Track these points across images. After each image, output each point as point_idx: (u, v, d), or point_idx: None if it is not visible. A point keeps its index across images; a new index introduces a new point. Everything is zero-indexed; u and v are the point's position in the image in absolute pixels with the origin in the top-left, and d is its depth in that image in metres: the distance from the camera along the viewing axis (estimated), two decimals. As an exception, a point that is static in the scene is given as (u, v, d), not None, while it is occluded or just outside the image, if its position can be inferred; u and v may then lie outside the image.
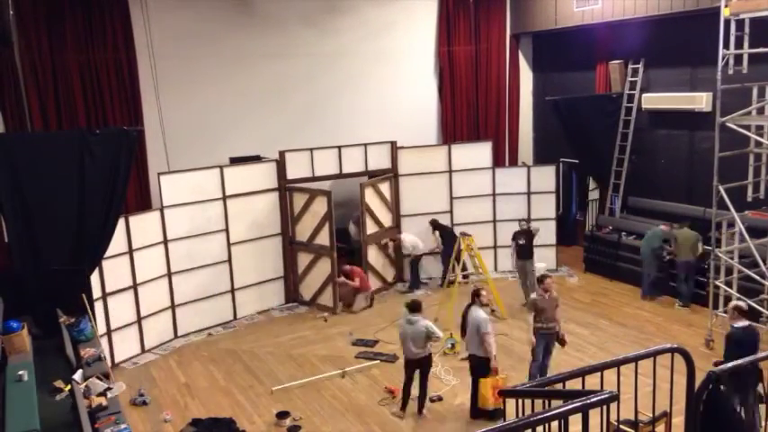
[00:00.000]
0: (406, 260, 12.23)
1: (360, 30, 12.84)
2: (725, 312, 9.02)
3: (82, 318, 8.61)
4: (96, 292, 9.03)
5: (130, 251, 9.54)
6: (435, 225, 12.10)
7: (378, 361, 9.12)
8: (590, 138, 12.50)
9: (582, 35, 12.79)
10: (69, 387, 6.93)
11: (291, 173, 11.37)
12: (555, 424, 3.31)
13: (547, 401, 3.94)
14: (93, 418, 6.63)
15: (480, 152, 12.62)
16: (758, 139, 8.78)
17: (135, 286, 9.66)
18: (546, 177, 12.50)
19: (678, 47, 11.32)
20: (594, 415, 3.36)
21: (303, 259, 11.46)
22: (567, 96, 12.55)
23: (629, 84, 12.17)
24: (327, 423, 7.61)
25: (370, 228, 11.63)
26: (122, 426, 6.50)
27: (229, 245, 10.82)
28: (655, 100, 11.62)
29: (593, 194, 13.69)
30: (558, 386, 4.15)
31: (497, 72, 14.10)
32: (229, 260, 10.84)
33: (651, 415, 4.97)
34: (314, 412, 7.84)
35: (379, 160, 12.04)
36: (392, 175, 12.12)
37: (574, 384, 4.13)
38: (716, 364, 4.48)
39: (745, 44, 8.44)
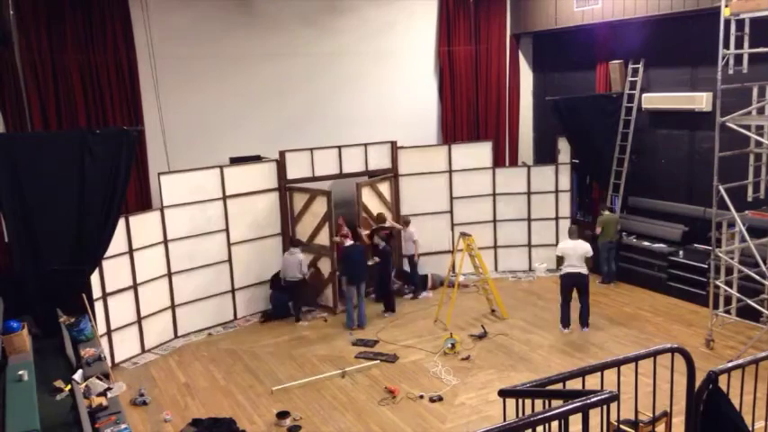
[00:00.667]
0: (405, 259, 12.07)
1: (360, 30, 12.84)
2: (725, 312, 9.05)
3: (82, 318, 8.62)
4: (96, 292, 9.04)
5: (130, 251, 9.54)
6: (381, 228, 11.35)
7: (378, 361, 9.12)
8: (590, 138, 12.50)
9: (582, 35, 12.78)
10: (69, 387, 6.94)
11: (291, 173, 11.37)
12: (555, 424, 3.31)
13: (547, 401, 3.94)
14: (94, 418, 6.65)
15: (480, 152, 12.63)
16: (758, 138, 8.78)
17: (135, 286, 9.66)
18: (551, 177, 12.59)
19: (678, 47, 11.32)
20: (594, 415, 3.36)
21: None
22: (567, 96, 12.55)
23: (630, 84, 12.17)
24: (327, 423, 7.61)
25: (368, 228, 11.61)
26: (122, 426, 6.51)
27: (229, 245, 10.82)
28: (655, 100, 11.62)
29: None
30: (558, 386, 4.15)
31: (497, 72, 14.10)
32: (229, 260, 10.84)
33: (651, 415, 4.98)
34: (314, 412, 7.85)
35: (380, 160, 12.04)
36: (392, 175, 12.13)
37: (574, 384, 4.13)
38: None
39: (746, 44, 8.44)
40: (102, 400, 6.98)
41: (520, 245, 12.80)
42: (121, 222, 9.22)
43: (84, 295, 8.67)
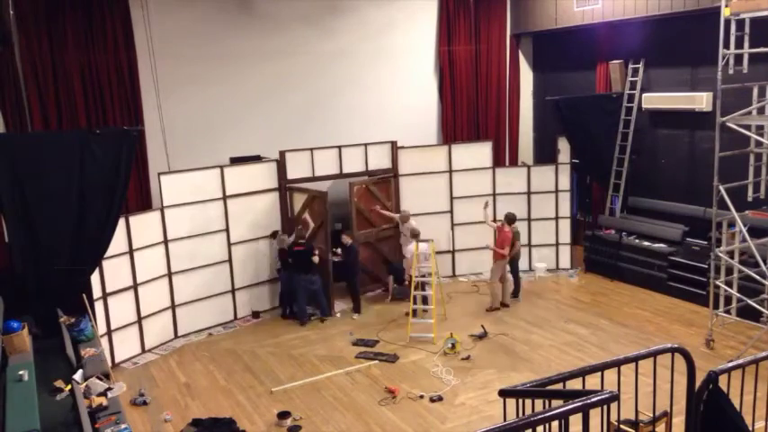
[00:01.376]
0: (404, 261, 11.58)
1: (360, 30, 12.84)
2: (725, 312, 9.04)
3: (82, 318, 8.63)
4: (96, 292, 9.03)
5: (131, 251, 9.54)
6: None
7: (377, 361, 9.12)
8: (590, 138, 12.50)
9: (582, 35, 12.78)
10: (69, 387, 6.94)
11: (292, 173, 11.36)
12: (555, 424, 3.31)
13: (547, 401, 3.94)
14: (94, 418, 6.65)
15: (480, 152, 12.63)
16: (758, 138, 8.77)
17: (135, 286, 9.66)
18: (552, 177, 12.58)
19: (678, 47, 11.32)
20: (595, 415, 3.36)
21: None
22: (567, 96, 12.55)
23: (630, 84, 12.17)
24: (328, 423, 7.61)
25: (363, 228, 11.63)
26: (122, 426, 6.52)
27: (230, 245, 10.82)
28: (655, 100, 11.62)
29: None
30: (558, 386, 4.15)
31: (497, 72, 14.10)
32: (230, 260, 10.84)
33: (651, 415, 4.97)
34: (314, 412, 7.84)
35: (380, 160, 12.03)
36: (392, 175, 12.13)
37: (574, 384, 4.13)
38: None
39: (746, 44, 8.43)
40: (103, 400, 6.99)
41: (520, 245, 12.77)
42: (122, 222, 9.22)
43: (84, 295, 8.67)
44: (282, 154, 11.29)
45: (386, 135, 12.18)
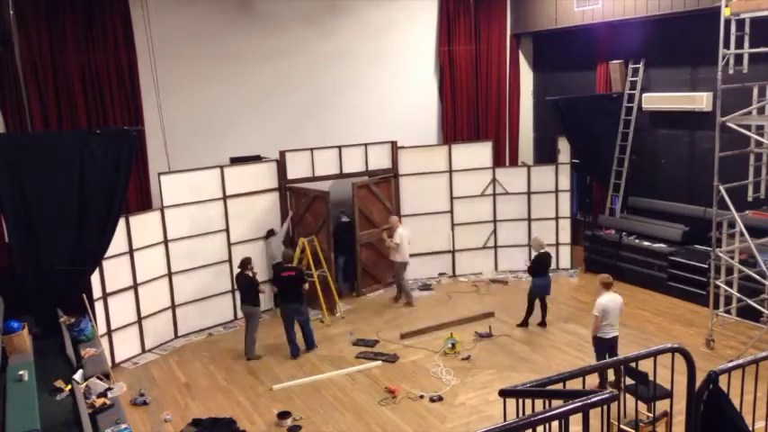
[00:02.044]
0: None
1: (360, 30, 12.84)
2: (725, 312, 9.04)
3: (82, 318, 8.63)
4: (96, 292, 9.04)
5: (131, 251, 9.54)
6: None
7: (379, 361, 9.11)
8: (590, 138, 12.50)
9: (582, 35, 12.78)
10: (70, 387, 6.95)
11: (292, 173, 11.37)
12: (555, 424, 3.30)
13: (547, 401, 3.94)
14: (94, 418, 6.65)
15: (480, 152, 12.63)
16: (758, 138, 8.77)
17: (135, 286, 9.66)
18: (552, 177, 12.57)
19: (678, 47, 11.32)
20: (595, 415, 3.36)
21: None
22: (567, 96, 12.55)
23: (630, 84, 12.16)
24: (328, 423, 7.61)
25: (364, 228, 11.63)
26: (122, 426, 6.52)
27: (230, 245, 10.82)
28: (655, 100, 11.62)
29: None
30: (558, 386, 4.15)
31: (498, 72, 14.09)
32: (230, 260, 10.84)
33: (651, 415, 4.98)
34: (314, 412, 7.84)
35: (380, 160, 12.03)
36: (392, 175, 12.13)
37: (574, 384, 4.13)
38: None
39: (746, 44, 8.43)
40: (104, 401, 7.00)
41: (520, 245, 12.79)
42: (122, 222, 9.22)
43: (84, 295, 8.67)
44: (282, 154, 11.29)
45: (386, 135, 12.18)
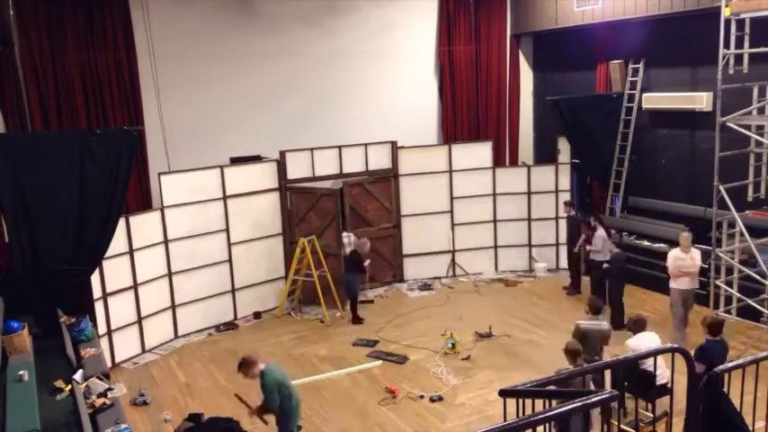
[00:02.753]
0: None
1: (360, 30, 12.84)
2: (726, 312, 9.03)
3: (82, 318, 8.63)
4: (97, 292, 9.03)
5: (131, 251, 9.54)
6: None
7: (392, 362, 9.07)
8: (590, 138, 12.50)
9: (582, 35, 12.78)
10: (70, 387, 6.94)
11: (292, 173, 11.37)
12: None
13: (547, 401, 3.94)
14: (94, 418, 6.65)
15: (480, 152, 12.62)
16: (759, 138, 8.76)
17: (135, 286, 9.66)
18: (552, 177, 12.55)
19: (678, 47, 11.31)
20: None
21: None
22: (567, 96, 12.55)
23: (630, 83, 12.16)
24: (328, 423, 7.60)
25: (358, 226, 11.62)
26: (122, 426, 6.52)
27: (230, 245, 10.81)
28: (655, 100, 11.61)
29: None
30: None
31: (498, 72, 14.10)
32: (230, 260, 10.84)
33: (652, 415, 4.98)
34: (314, 412, 7.84)
35: (380, 160, 12.03)
36: (392, 174, 12.13)
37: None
38: None
39: (746, 44, 8.43)
40: (104, 401, 6.99)
41: (520, 245, 12.79)
42: (122, 222, 9.21)
43: (84, 295, 8.67)
44: (283, 154, 11.29)
45: (386, 135, 12.17)
